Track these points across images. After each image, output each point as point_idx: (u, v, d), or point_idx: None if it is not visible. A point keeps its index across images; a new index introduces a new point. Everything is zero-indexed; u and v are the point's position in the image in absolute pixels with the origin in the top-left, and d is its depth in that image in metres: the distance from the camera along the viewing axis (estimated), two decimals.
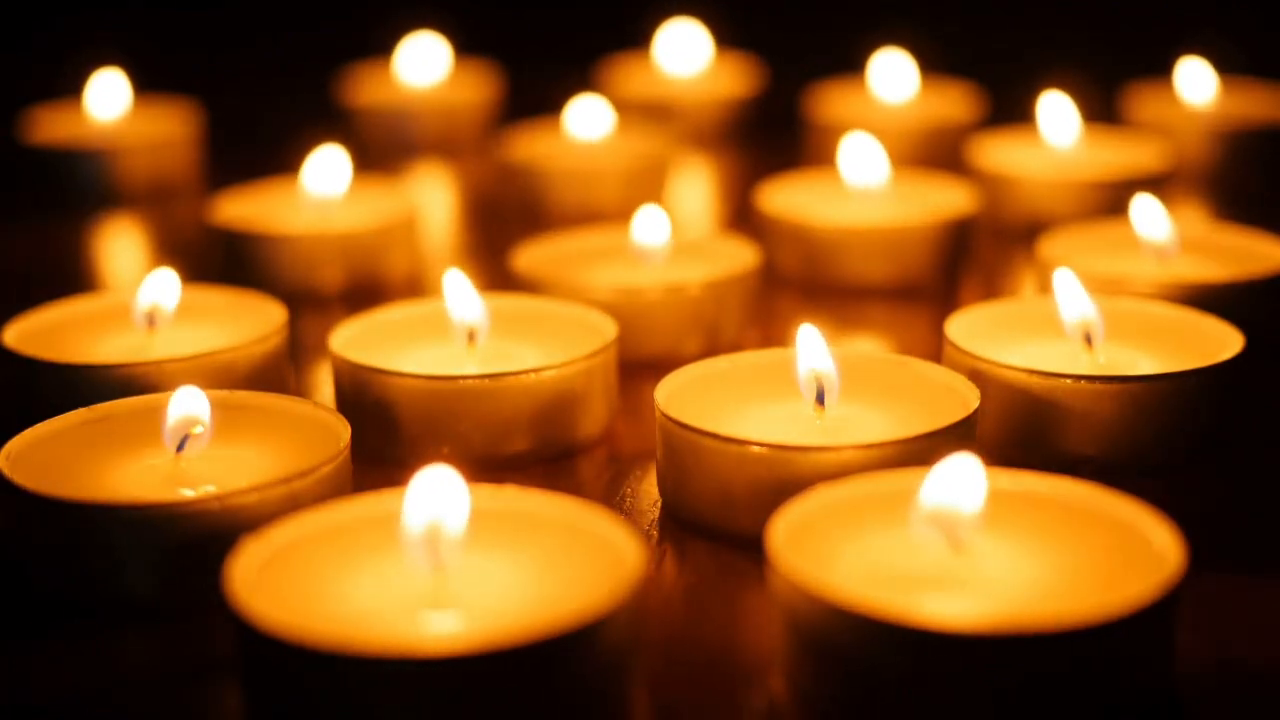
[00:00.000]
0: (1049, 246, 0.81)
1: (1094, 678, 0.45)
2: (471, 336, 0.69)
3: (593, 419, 0.67)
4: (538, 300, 0.73)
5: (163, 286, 0.73)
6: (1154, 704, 0.48)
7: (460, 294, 0.70)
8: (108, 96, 1.12)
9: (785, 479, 0.57)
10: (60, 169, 1.08)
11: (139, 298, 0.73)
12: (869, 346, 0.81)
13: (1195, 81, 1.14)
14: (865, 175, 0.92)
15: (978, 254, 0.91)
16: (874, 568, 0.51)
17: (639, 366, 0.73)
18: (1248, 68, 1.17)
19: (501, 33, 1.35)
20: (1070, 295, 0.69)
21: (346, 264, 0.87)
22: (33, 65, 1.31)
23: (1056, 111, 1.02)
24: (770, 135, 1.20)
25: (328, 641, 0.44)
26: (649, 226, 0.82)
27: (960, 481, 0.51)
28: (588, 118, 1.07)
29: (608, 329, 0.70)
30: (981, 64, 1.22)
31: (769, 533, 0.50)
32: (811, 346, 0.63)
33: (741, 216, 1.01)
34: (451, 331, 0.70)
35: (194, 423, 0.60)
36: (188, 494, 0.58)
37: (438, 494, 0.51)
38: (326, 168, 0.92)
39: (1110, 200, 0.93)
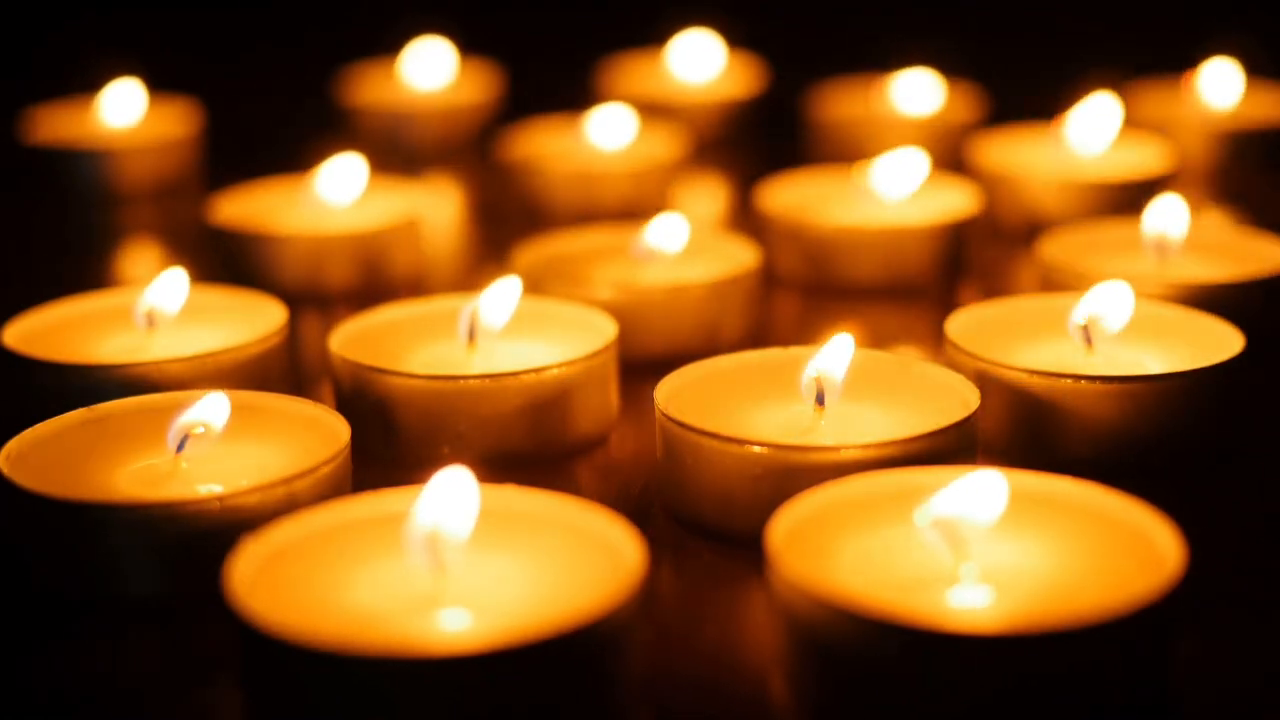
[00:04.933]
0: (1049, 246, 0.81)
1: (1094, 678, 0.45)
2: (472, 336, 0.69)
3: (593, 419, 0.67)
4: (538, 300, 0.73)
5: (170, 287, 0.73)
6: (1154, 704, 0.48)
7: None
8: (121, 100, 1.12)
9: (785, 479, 0.57)
10: (63, 169, 1.08)
11: (145, 297, 0.73)
12: (869, 347, 0.81)
13: (1206, 81, 1.14)
14: (898, 188, 0.92)
15: (978, 254, 0.91)
16: (874, 568, 0.51)
17: (639, 366, 0.73)
18: (1251, 68, 1.17)
19: (504, 33, 1.35)
20: (1099, 299, 0.69)
21: (349, 264, 0.87)
22: (34, 66, 1.31)
23: (1093, 116, 1.02)
24: (771, 135, 1.20)
25: (328, 641, 0.44)
26: (665, 231, 0.82)
27: (978, 494, 0.51)
28: (590, 118, 1.07)
29: (608, 329, 0.70)
30: (981, 63, 1.22)
31: (769, 533, 0.50)
32: (834, 353, 0.63)
33: (742, 216, 1.01)
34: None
35: (200, 424, 0.60)
36: (188, 494, 0.58)
37: (447, 497, 0.51)
38: (341, 174, 0.92)
39: (1110, 200, 0.94)
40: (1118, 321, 0.68)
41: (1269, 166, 1.09)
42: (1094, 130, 1.01)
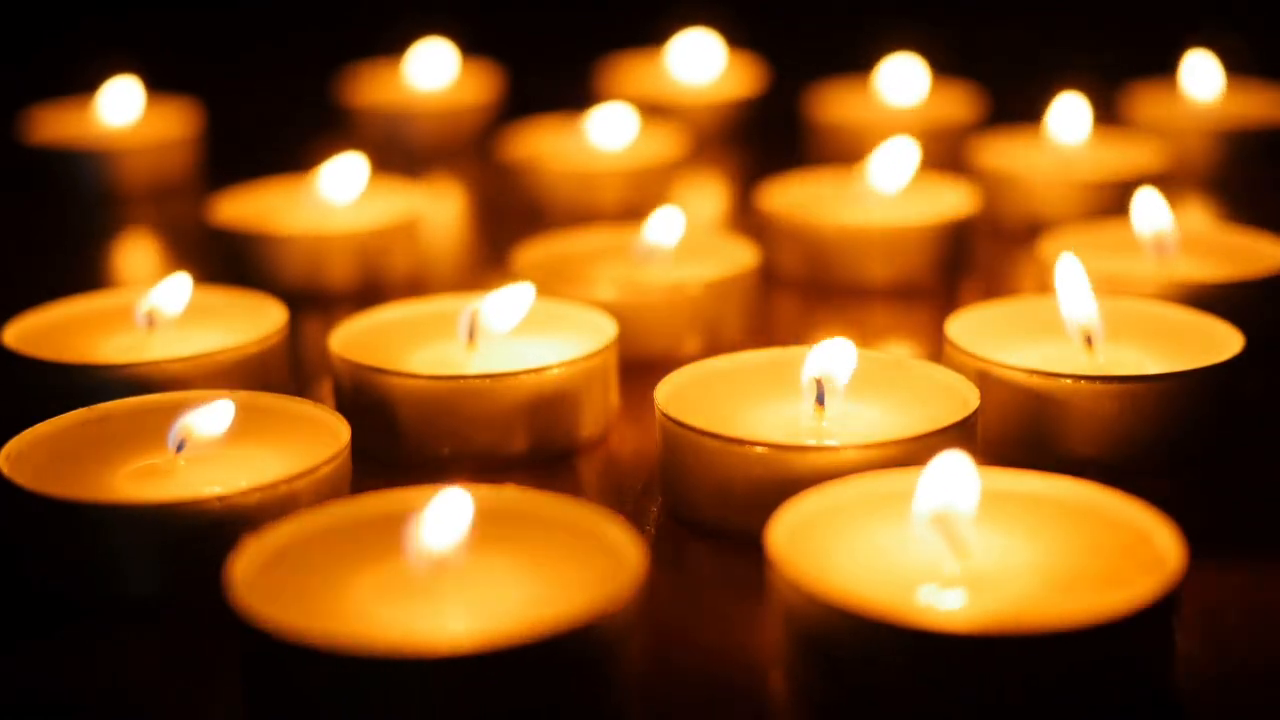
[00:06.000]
0: (1049, 246, 0.81)
1: (1094, 678, 0.45)
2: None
3: (593, 419, 0.67)
4: (538, 300, 0.73)
5: (174, 290, 0.73)
6: (1154, 705, 0.48)
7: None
8: (121, 100, 1.12)
9: (785, 479, 0.57)
10: (63, 169, 1.08)
11: (147, 298, 0.73)
12: (869, 347, 0.81)
13: (1199, 80, 1.14)
14: (892, 180, 0.92)
15: (978, 254, 0.91)
16: (874, 568, 0.51)
17: (639, 366, 0.73)
18: (1250, 67, 1.17)
19: (505, 34, 1.35)
20: (1073, 293, 0.69)
21: (349, 264, 0.87)
22: (33, 66, 1.31)
23: (1068, 112, 1.02)
24: (771, 135, 1.20)
25: (328, 641, 0.44)
26: (662, 226, 0.82)
27: (954, 481, 0.51)
28: (590, 118, 1.07)
29: (608, 329, 0.70)
30: (981, 63, 1.22)
31: (769, 533, 0.50)
32: (833, 354, 0.63)
33: (742, 216, 1.01)
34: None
35: (200, 430, 0.60)
36: (188, 494, 0.58)
37: (449, 513, 0.51)
38: (342, 174, 0.92)
39: (1111, 200, 0.93)
40: (1089, 315, 0.68)
41: (1268, 165, 1.09)
42: (1072, 128, 1.01)
